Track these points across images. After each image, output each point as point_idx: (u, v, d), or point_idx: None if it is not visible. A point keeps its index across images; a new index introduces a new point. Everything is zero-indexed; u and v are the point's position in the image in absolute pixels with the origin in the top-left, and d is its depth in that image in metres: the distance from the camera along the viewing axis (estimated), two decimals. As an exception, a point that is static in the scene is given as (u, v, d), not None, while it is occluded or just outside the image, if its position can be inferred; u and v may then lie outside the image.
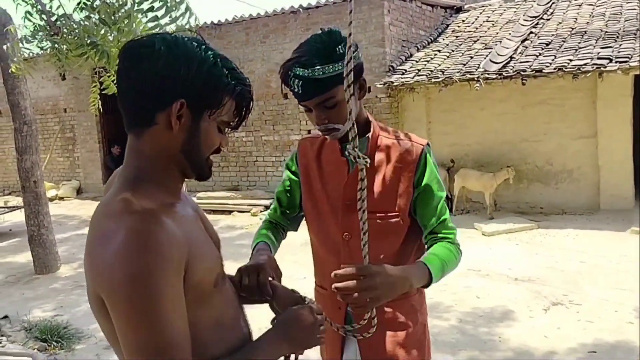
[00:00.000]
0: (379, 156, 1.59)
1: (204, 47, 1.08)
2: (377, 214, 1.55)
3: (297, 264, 6.41)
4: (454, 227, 1.63)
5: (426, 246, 1.61)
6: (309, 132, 9.66)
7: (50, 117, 13.19)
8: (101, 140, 12.53)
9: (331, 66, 1.45)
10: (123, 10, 3.17)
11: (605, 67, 6.91)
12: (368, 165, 1.37)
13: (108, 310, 0.97)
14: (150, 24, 3.21)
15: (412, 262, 1.58)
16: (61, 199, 12.36)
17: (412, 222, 1.61)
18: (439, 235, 1.58)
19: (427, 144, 1.62)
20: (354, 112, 1.33)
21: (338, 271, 1.31)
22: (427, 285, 1.46)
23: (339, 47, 1.46)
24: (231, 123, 1.14)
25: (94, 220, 1.05)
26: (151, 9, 3.18)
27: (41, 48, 4.01)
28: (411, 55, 9.27)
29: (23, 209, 6.79)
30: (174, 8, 3.08)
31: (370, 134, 1.60)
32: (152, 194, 1.04)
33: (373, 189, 1.56)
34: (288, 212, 1.78)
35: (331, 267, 1.54)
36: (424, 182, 1.57)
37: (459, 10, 11.05)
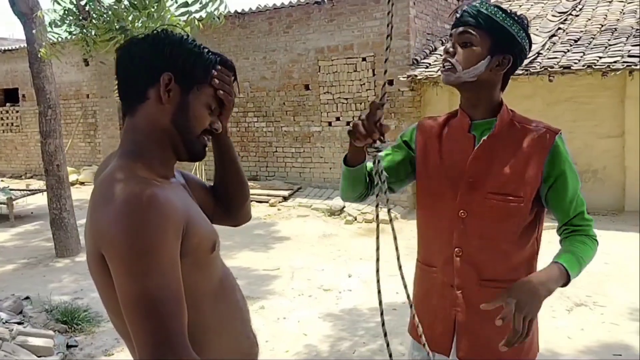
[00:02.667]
0: (507, 138, 1.55)
1: (186, 36, 1.21)
2: (498, 195, 1.53)
3: (315, 255, 6.41)
4: (590, 219, 1.60)
5: (560, 238, 1.60)
6: (330, 123, 9.61)
7: (72, 103, 13.31)
8: (122, 126, 12.61)
9: (496, 10, 1.52)
10: (153, -5, 3.16)
11: (636, 65, 6.75)
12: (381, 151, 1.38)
13: (106, 268, 1.01)
14: (180, 10, 3.19)
15: (527, 251, 1.58)
16: (82, 183, 12.49)
17: (537, 210, 1.58)
18: (575, 228, 1.57)
19: (560, 132, 1.57)
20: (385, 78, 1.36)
21: (497, 321, 1.33)
22: (566, 284, 1.44)
23: (506, 12, 1.53)
24: (219, 101, 1.21)
25: (96, 188, 1.11)
26: (181, -6, 3.16)
27: (70, 32, 4.01)
28: (435, 49, 9.16)
29: (45, 192, 6.88)
30: (204, -6, 3.06)
31: (500, 115, 1.57)
32: (148, 166, 1.12)
33: (498, 170, 1.54)
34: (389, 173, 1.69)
35: (442, 245, 1.61)
36: (557, 172, 1.53)
37: (485, 4, 10.88)
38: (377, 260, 1.43)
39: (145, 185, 1.04)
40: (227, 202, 1.42)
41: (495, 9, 1.52)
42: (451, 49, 1.53)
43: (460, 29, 1.52)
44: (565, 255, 1.49)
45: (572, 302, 4.52)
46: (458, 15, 1.54)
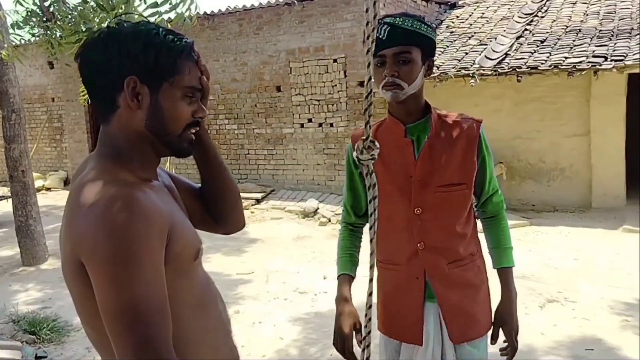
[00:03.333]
0: (444, 133, 1.72)
1: (141, 24, 1.10)
2: (447, 187, 1.69)
3: (290, 258, 6.38)
4: (502, 195, 1.84)
5: (483, 217, 1.86)
6: (302, 125, 9.59)
7: (37, 106, 12.97)
8: (89, 130, 12.33)
9: (418, 24, 1.63)
10: (120, -4, 3.08)
11: (601, 65, 6.92)
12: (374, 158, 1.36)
13: (85, 276, 0.96)
14: (149, 11, 3.13)
15: (472, 224, 1.80)
16: (48, 189, 12.18)
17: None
18: (492, 210, 1.83)
19: (481, 121, 1.78)
20: (373, 81, 1.31)
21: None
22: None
23: (424, 22, 1.65)
24: (197, 87, 1.12)
25: (73, 191, 1.04)
26: (150, -6, 3.09)
27: (33, 34, 3.89)
28: (406, 50, 9.22)
29: (10, 199, 6.67)
30: (173, -6, 3.00)
31: (431, 114, 1.73)
32: (128, 169, 1.06)
33: (442, 165, 1.70)
34: (359, 208, 1.87)
35: (404, 243, 1.75)
36: (482, 155, 1.74)
37: (453, 6, 11.02)
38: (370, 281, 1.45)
39: (127, 188, 0.98)
40: (215, 208, 1.33)
41: (418, 23, 1.64)
42: (394, 68, 1.61)
43: (397, 49, 1.60)
44: (504, 255, 1.82)
45: (544, 298, 4.60)
46: (382, 36, 1.59)
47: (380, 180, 1.69)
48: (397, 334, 1.82)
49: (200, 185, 1.35)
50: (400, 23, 1.61)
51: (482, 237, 1.90)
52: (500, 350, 1.80)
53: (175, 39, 1.08)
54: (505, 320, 1.77)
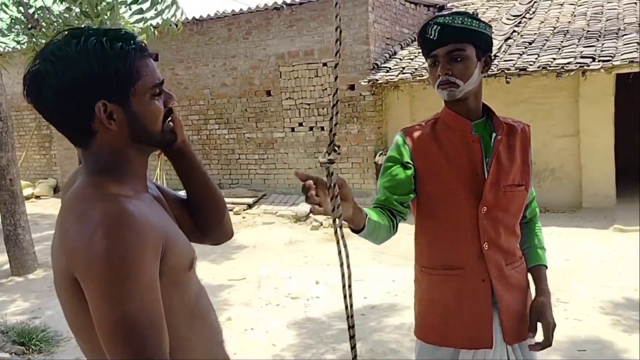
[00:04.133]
0: (507, 133, 1.72)
1: (82, 38, 1.02)
2: (513, 186, 1.70)
3: (282, 263, 6.35)
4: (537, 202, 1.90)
5: (521, 220, 1.82)
6: (293, 129, 9.57)
7: (26, 114, 12.86)
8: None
9: (469, 20, 1.60)
10: (106, 3, 3.05)
11: (589, 65, 6.96)
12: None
13: (79, 291, 0.96)
14: (135, 17, 3.10)
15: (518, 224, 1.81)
16: (37, 197, 12.08)
17: None
18: (530, 214, 1.86)
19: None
20: (337, 88, 1.26)
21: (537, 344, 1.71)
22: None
23: (475, 18, 1.63)
24: (159, 81, 1.10)
25: (65, 204, 1.04)
26: (135, 1, 3.06)
27: (18, 42, 3.85)
28: (395, 53, 9.25)
29: (-2, 208, 6.59)
30: (159, 1, 2.97)
31: (494, 114, 1.73)
32: (119, 181, 1.05)
33: (509, 165, 1.70)
34: (398, 197, 1.70)
35: (467, 244, 1.69)
36: (531, 159, 1.78)
37: (441, 8, 11.05)
38: (344, 275, 1.41)
39: (120, 203, 0.98)
40: (202, 220, 1.31)
41: (469, 20, 1.61)
42: (447, 67, 1.60)
43: (449, 47, 1.59)
44: (542, 254, 1.84)
45: (536, 299, 4.60)
46: (433, 36, 1.60)
47: (444, 177, 1.69)
48: (462, 341, 1.71)
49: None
50: (450, 22, 1.59)
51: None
52: (530, 346, 1.74)
53: (123, 45, 1.04)
54: (544, 313, 1.71)
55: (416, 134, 1.74)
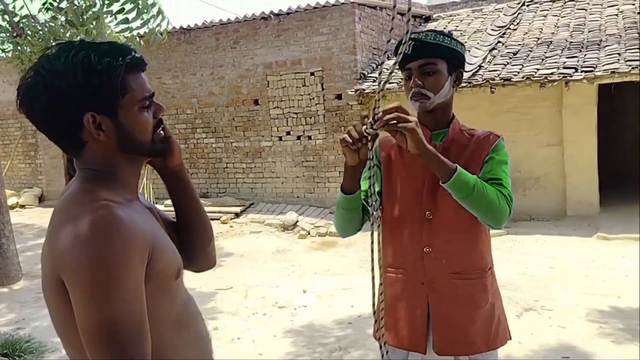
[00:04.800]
0: (459, 143, 1.77)
1: (72, 52, 1.05)
2: None
3: (269, 272, 6.33)
4: (509, 190, 1.72)
5: None
6: (281, 138, 9.58)
7: (11, 122, 12.74)
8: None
9: (441, 37, 1.72)
10: (91, 12, 3.05)
11: (572, 76, 7.07)
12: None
13: (65, 294, 0.97)
14: (120, 27, 3.10)
15: (483, 240, 1.79)
16: (22, 206, 11.93)
17: None
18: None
19: (502, 137, 1.80)
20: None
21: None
22: (447, 179, 1.59)
23: (448, 36, 1.74)
24: (149, 94, 1.13)
25: (56, 210, 1.06)
26: (121, 10, 3.07)
27: (2, 50, 3.83)
28: (382, 63, 9.25)
29: (-18, 218, 6.50)
30: (145, 10, 2.98)
31: (452, 123, 1.80)
32: (111, 188, 1.08)
33: None
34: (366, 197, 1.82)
35: (411, 246, 1.76)
36: (490, 156, 1.74)
37: (427, 19, 11.18)
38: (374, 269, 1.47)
39: (109, 208, 1.00)
40: (188, 244, 1.32)
41: (441, 36, 1.73)
42: (419, 80, 1.71)
43: (421, 61, 1.71)
44: (466, 173, 1.64)
45: (521, 307, 4.64)
46: (407, 50, 1.66)
47: (397, 182, 1.81)
48: (402, 342, 1.79)
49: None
50: (423, 37, 1.71)
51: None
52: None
53: (111, 60, 1.06)
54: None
55: (387, 141, 1.86)
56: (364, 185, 1.75)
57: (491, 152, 1.75)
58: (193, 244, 1.33)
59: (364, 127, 1.46)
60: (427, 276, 1.75)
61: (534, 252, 6.45)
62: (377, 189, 1.77)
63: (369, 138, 1.47)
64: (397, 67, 1.74)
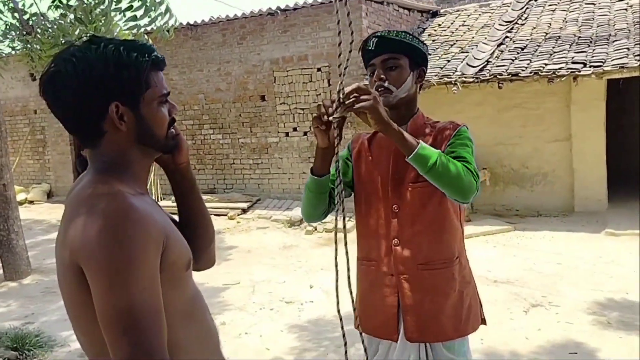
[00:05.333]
0: (419, 132, 1.81)
1: (102, 45, 1.11)
2: (417, 183, 1.77)
3: (276, 267, 6.36)
4: (474, 166, 1.71)
5: None
6: (287, 134, 9.60)
7: (19, 119, 12.84)
8: (73, 142, 12.23)
9: (403, 34, 1.81)
10: (100, 9, 3.07)
11: (580, 71, 7.02)
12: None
13: (83, 282, 0.99)
14: (129, 24, 3.12)
15: (453, 232, 1.83)
16: (31, 202, 12.03)
17: None
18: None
19: (465, 125, 1.85)
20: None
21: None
22: (411, 154, 1.61)
23: (409, 34, 1.82)
24: (166, 92, 1.18)
25: (71, 201, 1.09)
26: (130, 8, 3.09)
27: (12, 48, 3.86)
28: (389, 58, 9.28)
29: (-8, 213, 6.56)
30: (153, 8, 3.00)
31: (413, 117, 1.85)
32: (124, 182, 1.10)
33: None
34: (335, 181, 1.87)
35: (381, 239, 1.83)
36: (451, 142, 1.78)
37: (435, 14, 11.13)
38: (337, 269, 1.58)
39: (126, 198, 1.03)
40: (190, 243, 1.31)
41: (404, 34, 1.82)
42: (382, 76, 1.78)
43: (384, 56, 1.79)
44: (429, 148, 1.65)
45: (528, 303, 4.64)
46: (371, 47, 1.79)
47: (365, 177, 1.88)
48: (374, 330, 1.89)
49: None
50: (386, 35, 1.80)
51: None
52: None
53: (138, 55, 1.12)
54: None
55: (361, 138, 1.97)
56: (334, 172, 1.75)
57: (453, 138, 1.80)
58: (195, 242, 1.33)
59: (330, 112, 1.53)
60: (396, 268, 1.82)
61: (541, 248, 6.43)
62: (346, 178, 1.90)
63: (335, 125, 1.52)
64: (364, 64, 1.86)
